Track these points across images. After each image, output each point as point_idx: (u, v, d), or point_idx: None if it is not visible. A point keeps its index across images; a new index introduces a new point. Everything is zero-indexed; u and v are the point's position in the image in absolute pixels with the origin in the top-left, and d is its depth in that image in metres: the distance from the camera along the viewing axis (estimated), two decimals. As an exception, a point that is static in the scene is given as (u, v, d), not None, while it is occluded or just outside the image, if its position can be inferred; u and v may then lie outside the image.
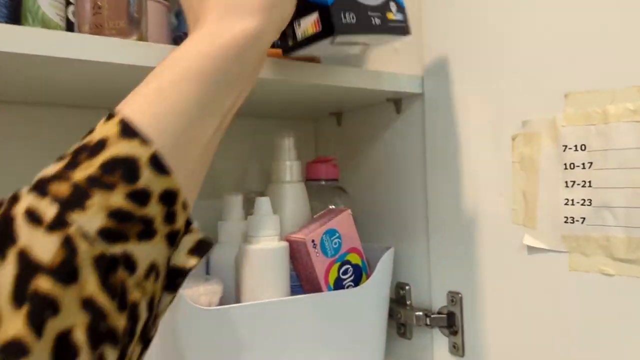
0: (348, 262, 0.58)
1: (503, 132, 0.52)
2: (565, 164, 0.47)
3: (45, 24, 0.48)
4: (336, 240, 0.57)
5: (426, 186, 0.61)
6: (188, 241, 0.32)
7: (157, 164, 0.30)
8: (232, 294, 0.56)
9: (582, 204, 0.46)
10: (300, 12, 0.44)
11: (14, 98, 0.59)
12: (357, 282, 0.58)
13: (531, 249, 0.50)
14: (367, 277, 0.58)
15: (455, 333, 0.57)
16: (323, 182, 0.66)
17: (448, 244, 0.58)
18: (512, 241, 0.51)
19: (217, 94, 0.34)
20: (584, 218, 0.46)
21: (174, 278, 0.32)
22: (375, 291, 0.58)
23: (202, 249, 0.33)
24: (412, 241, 0.63)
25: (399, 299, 0.64)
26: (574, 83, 0.46)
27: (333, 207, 0.63)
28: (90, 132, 0.31)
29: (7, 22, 0.46)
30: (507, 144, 0.52)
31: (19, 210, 0.26)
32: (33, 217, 0.26)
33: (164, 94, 0.32)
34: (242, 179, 0.69)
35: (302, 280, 0.58)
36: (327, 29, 0.43)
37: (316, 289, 0.56)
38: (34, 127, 0.62)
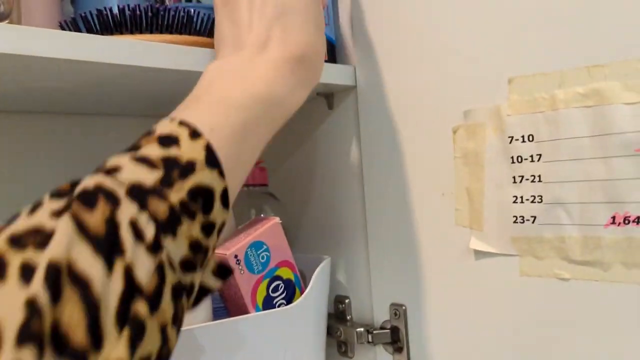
0: (279, 278, 0.51)
1: (443, 124, 0.47)
2: (512, 157, 0.42)
3: None
4: (264, 253, 0.50)
5: (363, 189, 0.55)
6: (212, 263, 0.32)
7: (225, 199, 0.30)
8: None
9: (532, 202, 0.41)
10: None
11: None
12: (290, 299, 0.51)
13: (478, 253, 0.45)
14: (301, 292, 0.52)
15: (400, 350, 0.51)
16: (251, 187, 0.59)
17: (389, 251, 0.52)
18: (457, 245, 0.46)
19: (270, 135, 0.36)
20: (535, 217, 0.41)
21: (200, 297, 0.32)
22: (311, 308, 0.52)
23: (224, 273, 0.33)
24: (351, 250, 0.57)
25: (338, 314, 0.57)
26: (518, 66, 0.42)
27: (262, 215, 0.56)
28: (166, 133, 0.30)
29: None
30: (448, 137, 0.47)
31: (124, 217, 0.25)
32: (136, 231, 0.25)
33: (246, 136, 0.32)
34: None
35: (226, 302, 0.51)
36: None
37: (242, 310, 0.49)
38: None
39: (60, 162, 0.60)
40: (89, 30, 0.45)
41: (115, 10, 0.46)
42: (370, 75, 0.53)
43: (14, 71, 0.41)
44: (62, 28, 0.47)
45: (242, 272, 0.48)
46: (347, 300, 0.57)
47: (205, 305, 0.48)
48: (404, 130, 0.51)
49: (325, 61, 0.54)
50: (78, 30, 0.45)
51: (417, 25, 0.49)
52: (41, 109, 0.59)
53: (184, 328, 0.44)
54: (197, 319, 0.46)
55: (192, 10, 0.49)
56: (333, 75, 0.54)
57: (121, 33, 0.46)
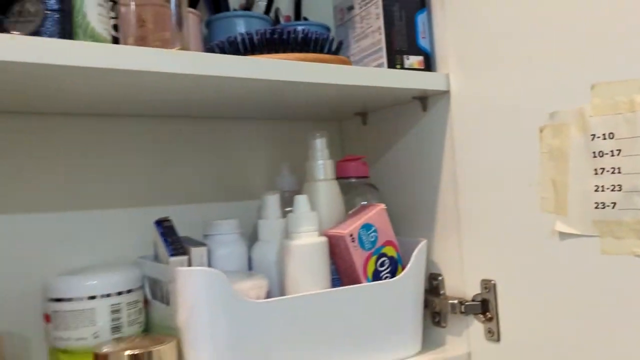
0: (384, 255, 0.60)
1: (530, 124, 0.54)
2: (594, 152, 0.49)
3: (95, 37, 0.50)
4: (372, 234, 0.59)
5: (456, 180, 0.63)
6: None
7: None
8: (275, 288, 0.58)
9: (612, 190, 0.48)
10: None
11: (55, 109, 0.62)
12: (393, 273, 0.60)
13: (563, 235, 0.52)
14: (403, 268, 0.61)
15: (490, 319, 0.59)
16: (353, 180, 0.68)
17: (480, 235, 0.60)
18: (542, 229, 0.54)
19: None
20: (615, 203, 0.48)
21: None
22: (411, 282, 0.60)
23: None
24: (444, 233, 0.65)
25: (432, 290, 0.66)
26: (600, 74, 0.49)
27: (365, 203, 0.65)
28: None
29: (59, 37, 0.49)
30: (535, 135, 0.54)
31: None
32: None
33: None
34: (274, 180, 0.72)
35: (341, 274, 0.61)
36: None
37: (355, 281, 0.59)
38: (71, 137, 0.65)
39: (205, 159, 0.72)
40: (224, 51, 0.56)
41: (254, 35, 0.56)
42: (463, 81, 0.61)
43: (191, 85, 0.53)
44: (213, 50, 0.58)
45: (356, 248, 0.58)
46: (440, 277, 0.65)
47: (324, 276, 0.57)
48: (493, 129, 0.58)
49: (421, 69, 0.63)
50: (224, 52, 0.56)
51: (507, 36, 0.56)
52: (196, 115, 0.71)
53: (310, 293, 0.54)
54: (318, 287, 0.56)
55: (306, 31, 0.59)
56: (428, 81, 0.63)
57: (257, 53, 0.57)
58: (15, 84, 0.50)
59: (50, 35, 0.47)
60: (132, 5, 0.52)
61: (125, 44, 0.51)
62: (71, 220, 0.63)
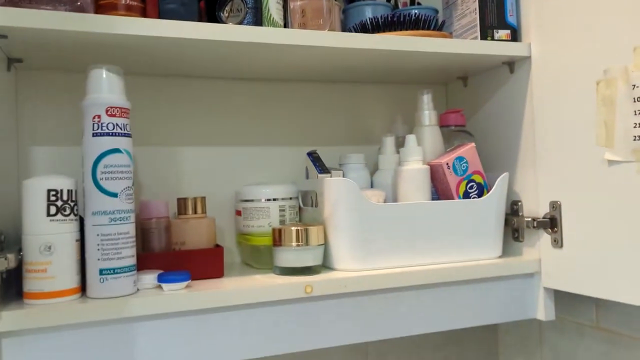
0: (473, 181, 0.80)
1: (589, 79, 0.71)
2: (634, 98, 0.65)
3: (274, 25, 0.76)
4: (464, 164, 0.79)
5: (534, 126, 0.81)
6: None
7: None
8: (391, 201, 0.81)
9: (646, 126, 0.64)
10: None
11: (245, 76, 0.90)
12: (480, 195, 0.80)
13: (610, 162, 0.69)
14: (488, 192, 0.80)
15: (555, 232, 0.77)
16: (453, 128, 0.88)
17: (550, 167, 0.78)
18: (596, 158, 0.70)
19: None
20: (647, 135, 0.64)
21: None
22: (493, 202, 0.80)
23: None
24: (523, 169, 0.83)
25: (513, 212, 0.85)
26: (640, 39, 0.65)
27: (460, 143, 0.85)
28: None
29: (254, 25, 0.74)
30: (592, 88, 0.71)
31: None
32: None
33: None
34: (391, 129, 0.94)
35: (439, 193, 0.82)
36: None
37: (449, 199, 0.80)
38: (252, 97, 0.92)
39: (340, 113, 0.96)
40: (356, 31, 0.79)
41: (377, 18, 0.79)
42: (541, 48, 0.79)
43: (333, 56, 0.77)
44: (349, 30, 0.81)
45: (450, 174, 0.79)
46: (519, 202, 0.84)
47: (425, 193, 0.79)
48: (562, 84, 0.75)
49: (508, 40, 0.81)
50: (360, 31, 0.80)
51: (572, 11, 0.73)
52: (333, 79, 0.95)
53: (417, 202, 0.76)
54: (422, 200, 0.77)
55: (417, 13, 0.80)
56: (515, 49, 0.81)
57: (379, 32, 0.79)
58: (225, 58, 0.77)
59: (249, 24, 0.73)
60: (298, 2, 0.76)
61: (292, 28, 0.76)
62: (253, 153, 0.91)
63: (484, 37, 0.82)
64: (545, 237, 0.79)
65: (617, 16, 0.67)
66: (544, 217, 0.79)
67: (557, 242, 0.77)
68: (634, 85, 0.65)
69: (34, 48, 0.68)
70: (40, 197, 0.60)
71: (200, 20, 0.71)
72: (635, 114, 0.65)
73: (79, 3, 0.64)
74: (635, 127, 0.66)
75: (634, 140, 0.66)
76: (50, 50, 0.69)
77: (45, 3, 0.63)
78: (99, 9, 0.66)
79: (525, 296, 0.82)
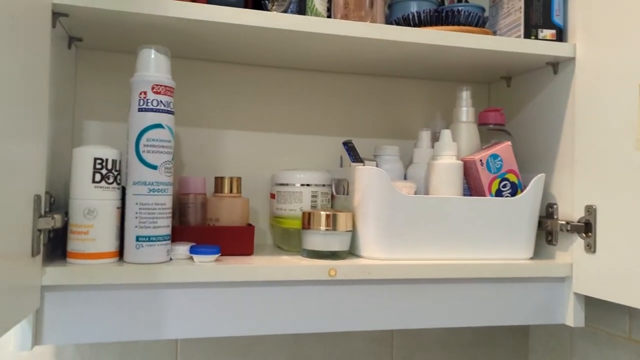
0: (507, 180, 0.80)
1: (631, 82, 0.69)
2: (677, 102, 0.64)
3: (318, 15, 0.78)
4: (498, 162, 0.79)
5: (574, 128, 0.79)
6: None
7: None
8: (422, 194, 0.82)
9: (688, 131, 0.62)
10: None
11: (287, 64, 0.92)
12: (513, 194, 0.80)
13: (649, 168, 0.67)
14: (522, 192, 0.79)
15: (589, 236, 0.76)
16: (491, 126, 0.88)
17: (587, 171, 0.77)
18: (635, 164, 0.69)
19: None
20: (689, 140, 0.62)
21: None
22: (527, 202, 0.79)
23: None
24: (561, 171, 0.82)
25: (548, 215, 0.83)
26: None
27: (496, 141, 0.85)
28: None
29: (297, 14, 0.77)
30: (636, 92, 0.69)
31: None
32: None
33: None
34: (428, 124, 0.95)
35: (471, 190, 0.82)
36: None
37: (481, 196, 0.79)
38: (294, 85, 0.95)
39: (379, 106, 0.98)
40: (399, 25, 0.80)
41: (420, 13, 0.79)
42: (586, 49, 0.77)
43: (373, 47, 0.78)
44: (392, 23, 0.82)
45: (483, 171, 0.78)
46: (555, 205, 0.83)
47: (457, 189, 0.79)
48: (605, 86, 0.74)
49: (554, 40, 0.80)
50: (402, 25, 0.81)
51: (617, 16, 0.71)
52: (373, 72, 0.97)
53: (447, 196, 0.76)
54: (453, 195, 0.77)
55: (460, 9, 0.80)
56: (559, 49, 0.80)
57: (421, 26, 0.80)
58: (268, 46, 0.79)
59: (292, 13, 0.76)
60: (342, -7, 0.78)
61: (335, 19, 0.78)
62: (291, 139, 0.94)
63: (527, 35, 0.81)
64: (578, 242, 0.78)
65: (665, 17, 0.66)
66: (578, 221, 0.78)
67: (591, 247, 0.76)
68: (679, 89, 0.64)
69: (92, 28, 0.73)
70: (87, 165, 0.65)
71: (246, 7, 0.74)
72: (678, 119, 0.64)
73: (134, -14, 0.68)
74: (676, 131, 0.64)
75: (675, 145, 0.64)
76: (107, 31, 0.74)
77: (105, -14, 0.67)
78: (153, -8, 0.70)
79: (555, 300, 0.80)
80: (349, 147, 0.84)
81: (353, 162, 0.81)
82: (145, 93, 0.66)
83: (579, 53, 0.79)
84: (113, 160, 0.66)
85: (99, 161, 0.65)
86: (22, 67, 0.52)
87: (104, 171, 0.66)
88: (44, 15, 0.61)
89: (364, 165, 0.80)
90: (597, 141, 0.75)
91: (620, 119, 0.71)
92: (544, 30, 0.81)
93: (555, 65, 0.84)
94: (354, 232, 0.77)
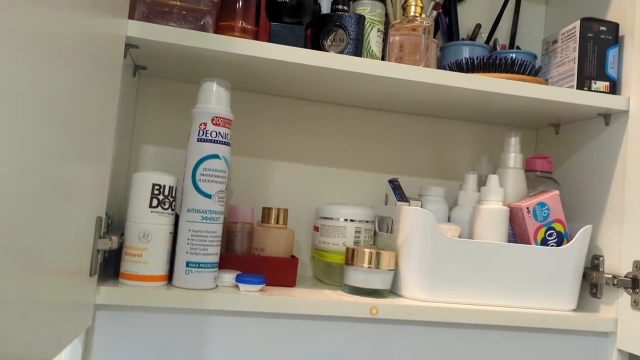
0: (553, 229, 0.79)
1: (689, 139, 0.69)
2: None
3: (373, 56, 0.80)
4: (545, 210, 0.79)
5: (625, 182, 0.79)
6: None
7: None
8: (466, 237, 0.82)
9: None
10: None
11: (339, 101, 0.95)
12: (559, 244, 0.79)
13: None
14: (568, 242, 0.79)
15: (637, 292, 0.74)
16: (539, 173, 0.88)
17: (637, 224, 0.76)
18: (689, 222, 0.68)
19: None
20: None
21: None
22: (572, 253, 0.78)
23: None
24: (609, 223, 0.81)
25: (593, 267, 0.82)
26: None
27: (544, 189, 0.85)
28: None
29: (354, 55, 0.79)
30: (692, 148, 0.68)
31: None
32: None
33: None
34: (474, 167, 0.95)
35: (516, 237, 0.81)
36: None
37: (526, 244, 0.79)
38: (345, 122, 0.97)
39: (427, 146, 0.99)
40: (452, 70, 0.82)
41: (474, 59, 0.81)
42: (639, 104, 0.77)
43: (425, 90, 0.80)
44: (444, 67, 0.84)
45: (530, 219, 0.78)
46: (601, 258, 0.81)
47: (502, 234, 0.79)
48: (661, 143, 0.73)
49: (606, 92, 0.80)
50: (455, 70, 0.82)
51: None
52: (422, 112, 0.98)
53: (492, 242, 0.76)
54: (498, 241, 0.77)
55: (514, 57, 0.81)
56: (612, 102, 0.80)
57: (473, 72, 0.81)
58: (323, 83, 0.82)
59: (349, 54, 0.78)
60: (397, 37, 0.81)
61: (389, 61, 0.80)
62: (338, 174, 0.95)
63: (580, 86, 0.81)
64: (625, 297, 0.77)
65: None
66: (625, 276, 0.76)
67: (637, 304, 0.74)
68: None
69: (158, 58, 0.77)
70: (146, 190, 0.68)
71: (305, 46, 0.77)
72: None
73: (202, 23, 0.72)
74: None
75: None
76: (171, 62, 0.78)
77: (174, 20, 0.71)
78: (219, 29, 0.73)
79: (597, 356, 0.79)
80: (395, 185, 0.85)
81: (399, 200, 0.82)
82: (205, 124, 0.69)
83: (632, 106, 0.79)
84: (170, 187, 0.69)
85: (156, 187, 0.68)
86: (95, 94, 0.56)
87: (160, 197, 0.68)
88: (118, 46, 0.65)
89: (409, 204, 0.81)
90: (649, 196, 0.74)
91: (675, 176, 0.71)
92: (597, 82, 0.81)
93: (607, 116, 0.84)
94: (396, 271, 0.77)
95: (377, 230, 0.87)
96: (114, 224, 0.73)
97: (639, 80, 0.78)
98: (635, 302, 0.75)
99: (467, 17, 1.01)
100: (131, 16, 0.69)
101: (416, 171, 0.98)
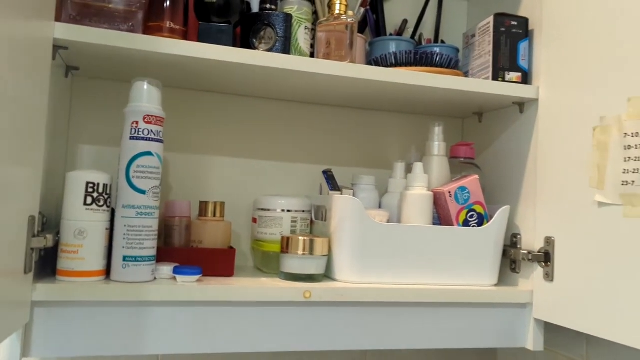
0: (474, 211, 0.85)
1: (587, 125, 0.76)
2: (625, 146, 0.70)
3: (301, 53, 0.84)
4: (466, 194, 0.85)
5: (536, 164, 0.85)
6: None
7: None
8: (395, 222, 0.87)
9: (634, 172, 0.68)
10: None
11: (272, 96, 0.98)
12: (480, 225, 0.85)
13: (601, 204, 0.73)
14: (488, 223, 0.85)
15: (548, 266, 0.81)
16: (462, 159, 0.94)
17: (548, 203, 0.82)
18: (588, 199, 0.75)
19: None
20: (634, 181, 0.68)
21: None
22: (491, 232, 0.84)
23: None
24: (525, 203, 0.88)
25: (512, 245, 0.89)
26: (633, 91, 0.69)
27: (466, 174, 0.91)
28: None
29: (283, 53, 0.82)
30: (589, 133, 0.75)
31: None
32: None
33: None
34: (403, 156, 1.00)
35: (440, 219, 0.87)
36: None
37: (450, 225, 0.85)
38: (277, 115, 1.00)
39: (359, 137, 1.03)
40: (378, 64, 0.86)
41: (397, 54, 0.86)
42: (548, 92, 0.84)
43: (351, 84, 0.84)
44: (371, 62, 0.88)
45: (452, 202, 0.84)
46: (519, 236, 0.88)
47: (427, 218, 0.84)
48: (564, 127, 0.80)
49: (518, 82, 0.87)
50: (378, 65, 0.87)
51: (575, 63, 0.78)
52: (353, 105, 1.03)
53: (418, 225, 0.81)
54: (424, 224, 0.83)
55: (434, 51, 0.87)
56: (524, 92, 0.86)
57: (398, 66, 0.86)
58: (254, 79, 0.85)
59: (277, 51, 0.81)
60: (324, 34, 0.84)
61: (317, 58, 0.84)
62: (274, 167, 0.99)
63: (495, 77, 0.87)
64: (538, 270, 0.83)
65: (615, 68, 0.72)
66: (539, 251, 0.83)
67: (549, 276, 0.81)
68: (626, 134, 0.70)
69: (89, 59, 0.78)
70: (80, 188, 0.70)
71: (234, 45, 0.80)
72: (625, 161, 0.70)
73: (130, 23, 0.74)
74: (624, 172, 0.70)
75: (622, 185, 0.70)
76: (103, 62, 0.79)
77: (103, 22, 0.73)
78: (147, 30, 0.75)
79: (517, 325, 0.86)
80: (328, 175, 0.90)
81: (331, 190, 0.86)
82: (137, 123, 0.71)
83: (541, 95, 0.86)
84: (104, 184, 0.71)
85: (90, 185, 0.70)
86: (24, 96, 0.57)
87: (95, 194, 0.70)
88: (45, 48, 0.66)
89: (341, 193, 0.86)
90: (556, 177, 0.81)
91: (577, 158, 0.78)
92: (511, 73, 0.88)
93: (521, 105, 0.90)
94: (330, 256, 0.82)
95: (313, 219, 0.91)
96: (50, 222, 0.74)
97: (547, 70, 0.85)
98: (547, 274, 0.81)
99: (395, 13, 1.06)
100: (58, 18, 0.70)
101: (349, 161, 1.03)
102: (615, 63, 0.72)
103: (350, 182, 0.94)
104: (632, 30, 0.70)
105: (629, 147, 0.69)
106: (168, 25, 0.75)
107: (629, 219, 0.69)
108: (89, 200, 0.70)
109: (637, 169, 0.68)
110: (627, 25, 0.71)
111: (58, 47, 0.71)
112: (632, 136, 0.69)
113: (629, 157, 0.69)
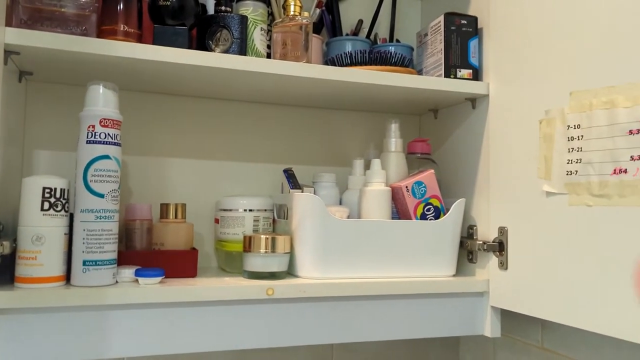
0: (430, 204, 0.88)
1: (533, 118, 0.79)
2: (568, 137, 0.73)
3: (258, 54, 0.85)
4: (422, 188, 0.87)
5: (489, 157, 0.88)
6: None
7: None
8: (355, 218, 0.89)
9: (577, 162, 0.72)
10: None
11: (231, 97, 0.99)
12: (436, 218, 0.88)
13: (548, 194, 0.76)
14: (444, 216, 0.88)
15: (502, 255, 0.84)
16: (419, 155, 0.96)
17: (500, 195, 0.86)
18: (537, 189, 0.78)
19: None
20: (577, 171, 0.72)
21: None
22: (448, 225, 0.87)
23: None
24: (479, 195, 0.91)
25: (469, 236, 0.92)
26: (575, 85, 0.73)
27: (422, 169, 0.93)
28: None
29: (239, 54, 0.83)
30: (536, 126, 0.79)
31: None
32: None
33: None
34: (363, 153, 1.02)
35: (399, 213, 0.90)
36: None
37: (408, 219, 0.87)
38: (236, 116, 1.01)
39: (318, 135, 1.05)
40: (334, 64, 0.88)
41: (353, 53, 0.88)
42: (497, 88, 0.87)
43: (308, 84, 0.86)
44: (327, 62, 0.90)
45: (409, 196, 0.86)
46: (475, 227, 0.91)
47: (386, 212, 0.87)
48: (513, 121, 0.83)
49: (469, 79, 0.90)
50: (335, 64, 0.89)
51: (520, 60, 0.81)
52: (312, 105, 1.04)
53: (377, 219, 0.83)
54: (383, 218, 0.85)
55: (388, 50, 0.89)
56: (475, 88, 0.89)
57: (353, 65, 0.88)
58: (212, 81, 0.86)
59: (234, 53, 0.82)
60: (280, 35, 0.86)
61: (274, 58, 0.85)
62: (235, 167, 1.00)
63: (447, 75, 0.90)
64: (493, 260, 0.87)
65: (557, 64, 0.76)
66: (493, 241, 0.86)
67: (503, 265, 0.84)
68: (568, 126, 0.73)
69: (42, 63, 0.77)
70: (36, 193, 0.69)
71: (190, 47, 0.80)
72: (569, 152, 0.73)
73: (83, 27, 0.74)
74: (568, 163, 0.73)
75: (567, 174, 0.73)
76: (57, 67, 0.78)
77: (56, 26, 0.72)
78: (101, 33, 0.75)
79: (475, 313, 0.89)
80: (289, 174, 0.91)
81: (292, 188, 0.87)
82: (93, 126, 0.71)
83: (491, 90, 0.89)
84: (62, 189, 0.71)
85: (47, 190, 0.69)
86: (-25, 106, 0.57)
87: (52, 199, 0.70)
88: (-4, 54, 0.65)
89: (302, 191, 0.87)
90: (508, 169, 0.85)
91: (525, 150, 0.81)
92: (462, 70, 0.91)
93: (473, 100, 0.93)
94: (292, 254, 0.83)
95: (275, 217, 0.92)
96: (7, 229, 0.73)
97: (496, 67, 0.89)
98: (501, 263, 0.85)
99: (351, 13, 1.08)
100: (9, 23, 0.69)
101: (310, 160, 1.04)
102: (557, 59, 0.76)
103: (311, 180, 0.96)
104: (572, 28, 0.74)
105: (572, 138, 0.73)
106: (122, 29, 0.75)
107: (573, 207, 0.73)
108: (46, 205, 0.69)
109: (580, 159, 0.72)
110: (566, 23, 0.75)
111: (9, 52, 0.70)
112: (574, 128, 0.73)
113: (572, 148, 0.73)
